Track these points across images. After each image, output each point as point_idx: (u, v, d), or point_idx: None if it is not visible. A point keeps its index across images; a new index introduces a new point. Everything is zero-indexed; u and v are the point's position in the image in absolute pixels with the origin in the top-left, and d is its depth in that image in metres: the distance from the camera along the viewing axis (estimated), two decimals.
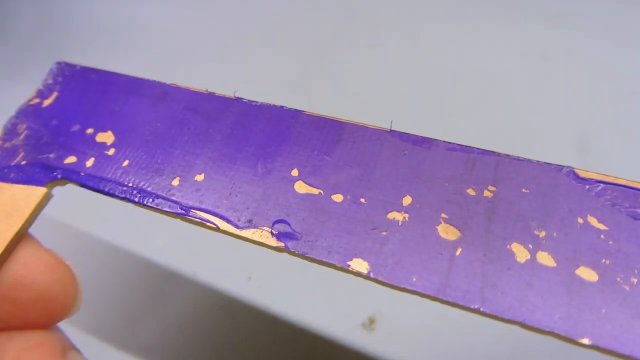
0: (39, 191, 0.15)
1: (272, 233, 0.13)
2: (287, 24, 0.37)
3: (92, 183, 0.15)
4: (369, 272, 0.12)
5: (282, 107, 0.15)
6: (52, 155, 0.16)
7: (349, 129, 0.14)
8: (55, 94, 0.17)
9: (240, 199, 0.14)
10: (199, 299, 0.25)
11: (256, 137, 0.15)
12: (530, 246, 0.12)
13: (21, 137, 0.16)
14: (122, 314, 0.25)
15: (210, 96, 0.16)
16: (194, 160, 0.15)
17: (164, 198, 0.14)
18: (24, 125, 0.17)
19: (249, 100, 0.16)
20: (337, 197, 0.13)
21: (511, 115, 0.32)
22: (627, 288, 0.11)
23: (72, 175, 0.15)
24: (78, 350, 0.13)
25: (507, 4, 0.37)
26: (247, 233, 0.13)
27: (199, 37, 0.37)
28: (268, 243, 0.13)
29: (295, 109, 0.15)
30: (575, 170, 0.13)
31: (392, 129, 0.14)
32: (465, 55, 0.35)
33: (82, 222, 0.28)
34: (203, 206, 0.14)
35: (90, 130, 0.16)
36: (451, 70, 0.34)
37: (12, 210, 0.14)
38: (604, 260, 0.11)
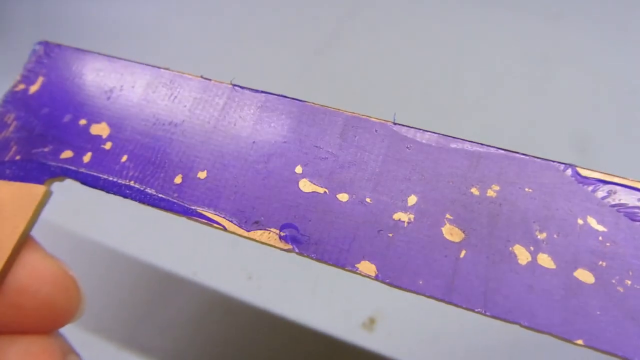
0: (39, 189, 0.14)
1: (280, 236, 0.13)
2: (287, 24, 0.37)
3: (92, 180, 0.14)
4: (376, 275, 0.12)
5: (282, 95, 0.15)
6: (47, 150, 0.15)
7: (351, 122, 0.14)
8: (41, 79, 0.16)
9: (245, 198, 0.14)
10: (199, 299, 0.25)
11: (257, 130, 0.14)
12: (532, 248, 0.12)
13: (11, 128, 0.15)
14: (122, 314, 0.25)
15: (207, 83, 0.15)
16: (195, 156, 0.14)
17: (168, 197, 0.14)
18: (12, 115, 0.16)
19: (247, 88, 0.15)
20: (343, 197, 0.13)
21: (511, 115, 0.32)
22: (622, 290, 0.11)
23: (70, 172, 0.15)
24: (78, 355, 0.14)
25: (508, 4, 0.37)
26: (255, 235, 0.13)
27: (198, 37, 0.37)
28: (276, 245, 0.13)
29: (296, 99, 0.15)
30: (577, 168, 0.13)
31: (396, 121, 0.14)
32: (466, 55, 0.35)
33: (82, 222, 0.28)
34: (208, 206, 0.14)
35: (83, 122, 0.15)
36: (451, 70, 0.34)
37: (13, 211, 0.13)
38: (600, 263, 0.12)
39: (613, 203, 0.12)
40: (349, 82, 0.34)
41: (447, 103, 0.32)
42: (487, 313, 0.11)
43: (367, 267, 0.12)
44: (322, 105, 0.14)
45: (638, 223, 0.12)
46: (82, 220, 0.28)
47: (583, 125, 0.31)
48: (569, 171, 0.13)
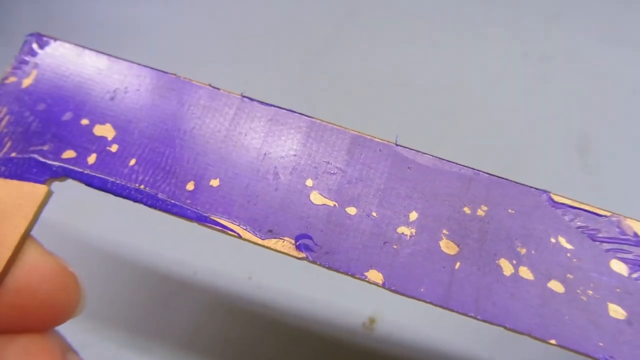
0: (41, 189, 0.14)
1: (295, 245, 0.14)
2: (287, 24, 0.37)
3: (99, 182, 0.14)
4: (383, 283, 0.13)
5: (291, 110, 0.15)
6: (46, 148, 0.14)
7: (357, 140, 0.15)
8: (35, 73, 0.15)
9: (258, 207, 0.14)
10: (199, 299, 0.25)
11: (267, 142, 0.15)
12: (514, 262, 0.14)
13: (3, 122, 0.15)
14: (122, 314, 0.25)
15: (216, 92, 0.15)
16: (207, 164, 0.15)
17: (181, 203, 0.14)
18: (4, 109, 0.15)
19: (256, 100, 0.15)
20: (351, 210, 0.14)
21: (511, 115, 0.32)
22: (585, 299, 0.13)
23: (74, 173, 0.14)
24: (76, 352, 0.13)
25: (507, 4, 0.37)
26: (269, 243, 0.14)
27: (198, 37, 0.37)
28: (290, 253, 0.14)
29: (305, 114, 0.15)
30: (551, 195, 0.15)
31: (398, 143, 0.15)
32: (466, 55, 0.35)
33: (81, 222, 0.28)
34: (222, 214, 0.14)
35: (85, 121, 0.15)
36: (451, 70, 0.34)
37: (12, 210, 0.13)
38: (569, 275, 0.14)
39: (578, 225, 0.14)
40: (347, 82, 0.34)
41: (447, 102, 0.32)
42: (479, 317, 0.13)
43: (375, 275, 0.14)
44: (329, 123, 0.15)
45: (597, 242, 0.14)
46: (80, 220, 0.28)
47: (583, 125, 0.31)
48: (544, 196, 0.15)
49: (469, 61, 0.34)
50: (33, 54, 0.16)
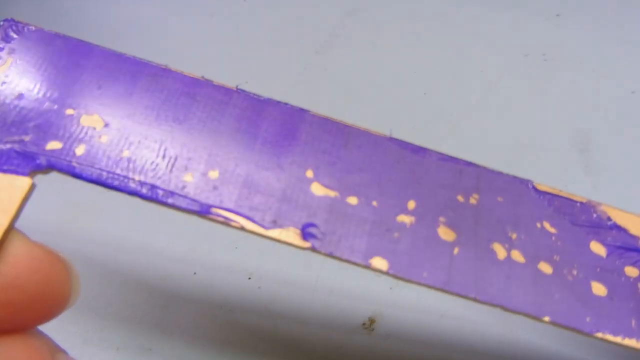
0: (24, 181, 0.13)
1: (299, 234, 0.14)
2: (287, 24, 0.37)
3: (89, 174, 0.13)
4: (388, 269, 0.14)
5: (286, 104, 0.15)
6: (27, 139, 0.13)
7: (353, 133, 0.15)
8: (10, 60, 0.14)
9: (260, 198, 0.14)
10: (198, 299, 0.25)
11: (264, 134, 0.15)
12: (506, 246, 0.15)
13: None
14: (121, 314, 0.25)
15: (209, 84, 0.15)
16: (205, 155, 0.14)
17: (179, 195, 0.14)
18: None
19: (252, 94, 0.15)
20: (352, 200, 0.15)
21: (511, 115, 0.32)
22: (571, 278, 0.15)
23: (61, 165, 0.13)
24: (65, 351, 0.13)
25: (508, 4, 0.37)
26: (273, 233, 0.14)
27: (198, 37, 0.37)
28: (295, 243, 0.14)
29: (300, 108, 0.15)
30: (534, 183, 0.16)
31: (392, 135, 0.16)
32: (466, 54, 0.35)
33: (80, 221, 0.28)
34: (224, 205, 0.14)
35: (71, 111, 0.14)
36: (451, 70, 0.34)
37: None
38: (555, 257, 0.15)
39: (560, 210, 0.16)
40: (347, 82, 0.34)
41: (448, 102, 0.32)
42: (478, 298, 0.14)
43: (379, 262, 0.14)
44: (326, 116, 0.16)
45: (577, 227, 0.15)
46: (77, 219, 0.28)
47: (583, 125, 0.31)
48: (528, 185, 0.16)
49: (469, 61, 0.34)
50: (8, 40, 0.15)
